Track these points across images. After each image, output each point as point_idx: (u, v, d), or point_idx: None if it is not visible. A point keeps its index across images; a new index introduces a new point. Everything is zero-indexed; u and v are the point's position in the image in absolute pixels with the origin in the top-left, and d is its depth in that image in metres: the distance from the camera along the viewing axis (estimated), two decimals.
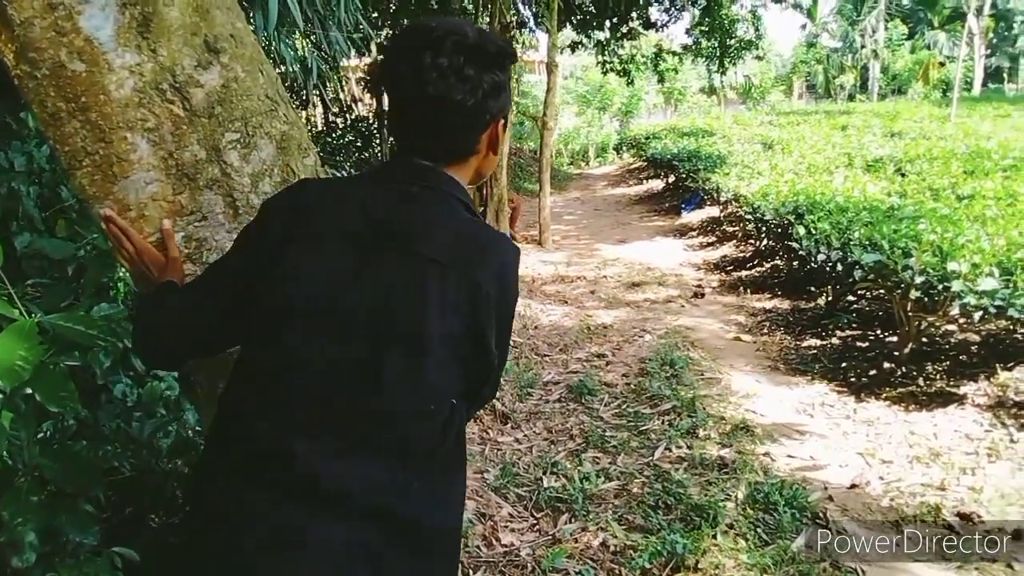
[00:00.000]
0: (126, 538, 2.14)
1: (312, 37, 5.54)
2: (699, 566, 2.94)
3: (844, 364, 5.17)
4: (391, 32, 18.88)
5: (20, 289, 2.00)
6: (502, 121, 1.28)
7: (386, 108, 19.10)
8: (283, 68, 5.78)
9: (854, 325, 5.90)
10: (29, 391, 1.67)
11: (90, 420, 2.24)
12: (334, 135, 19.05)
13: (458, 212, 1.25)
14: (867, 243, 5.03)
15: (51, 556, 1.77)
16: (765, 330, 6.27)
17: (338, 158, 17.86)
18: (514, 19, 10.84)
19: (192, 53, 1.53)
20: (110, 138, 1.50)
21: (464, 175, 1.31)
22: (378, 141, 19.16)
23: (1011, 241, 4.48)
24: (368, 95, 20.26)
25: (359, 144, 19.38)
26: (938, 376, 4.73)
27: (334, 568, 1.08)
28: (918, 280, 4.36)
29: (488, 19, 11.11)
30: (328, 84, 12.07)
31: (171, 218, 1.54)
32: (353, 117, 19.96)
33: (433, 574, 1.23)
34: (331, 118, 19.59)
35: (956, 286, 4.14)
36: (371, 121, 19.68)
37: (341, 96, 20.00)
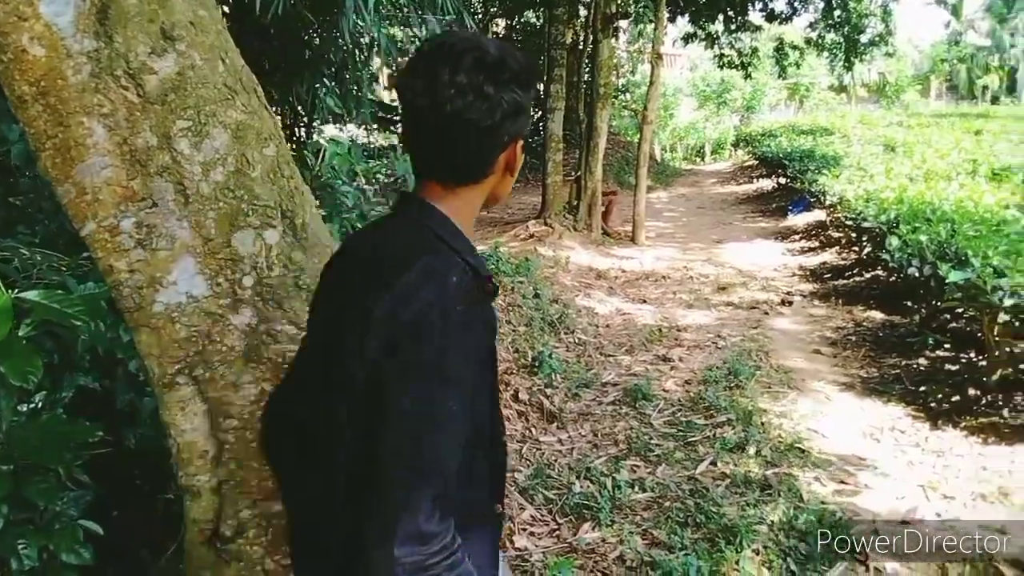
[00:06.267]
0: (118, 507, 2.23)
1: (409, 26, 5.57)
2: None
3: (925, 387, 4.78)
4: (506, 23, 19.07)
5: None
6: (520, 142, 1.22)
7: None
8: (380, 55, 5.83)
9: (945, 345, 5.46)
10: None
11: (100, 393, 2.33)
12: None
13: (415, 239, 1.16)
14: (961, 258, 4.63)
15: (26, 524, 1.85)
16: (849, 344, 5.90)
17: None
18: (619, 11, 10.56)
19: (147, 40, 1.54)
20: (68, 122, 1.53)
21: (475, 198, 1.23)
22: None
23: None
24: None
25: None
26: None
27: None
28: (1008, 303, 3.97)
29: (593, 9, 10.92)
30: None
31: (123, 203, 1.56)
32: None
33: None
34: None
35: None
36: None
37: None
